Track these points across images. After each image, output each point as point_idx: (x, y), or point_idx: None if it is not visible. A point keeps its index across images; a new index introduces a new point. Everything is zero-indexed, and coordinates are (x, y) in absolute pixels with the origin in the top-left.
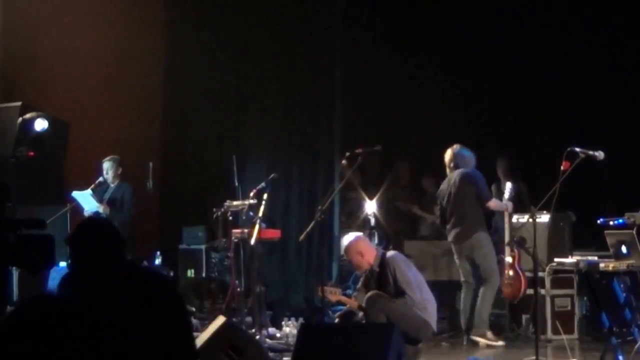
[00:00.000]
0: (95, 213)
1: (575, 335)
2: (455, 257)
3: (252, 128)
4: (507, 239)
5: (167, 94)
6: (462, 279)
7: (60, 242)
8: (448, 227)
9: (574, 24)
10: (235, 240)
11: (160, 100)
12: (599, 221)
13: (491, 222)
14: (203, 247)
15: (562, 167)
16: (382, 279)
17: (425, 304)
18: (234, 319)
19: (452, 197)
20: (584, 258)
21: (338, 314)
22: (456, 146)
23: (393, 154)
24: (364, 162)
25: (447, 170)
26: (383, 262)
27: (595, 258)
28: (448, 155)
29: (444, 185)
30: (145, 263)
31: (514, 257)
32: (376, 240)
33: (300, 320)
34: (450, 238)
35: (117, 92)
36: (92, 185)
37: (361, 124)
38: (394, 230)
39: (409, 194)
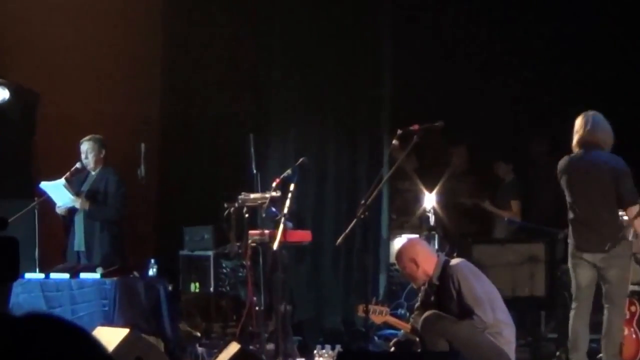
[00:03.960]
0: (70, 209)
1: None
2: (573, 265)
3: (275, 101)
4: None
5: (168, 60)
6: (574, 294)
7: (26, 247)
8: (577, 228)
9: None
10: (253, 244)
11: (158, 68)
12: None
13: None
14: (211, 253)
15: None
16: (443, 294)
17: (499, 326)
18: (251, 347)
19: (589, 189)
20: None
21: (393, 341)
22: (593, 113)
23: (458, 133)
24: (421, 143)
25: (575, 148)
26: (445, 272)
27: None
28: (583, 125)
29: (570, 169)
30: (136, 274)
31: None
32: (436, 245)
33: (338, 348)
34: (577, 243)
35: (103, 55)
36: (67, 174)
37: (416, 94)
38: (460, 231)
39: (475, 185)
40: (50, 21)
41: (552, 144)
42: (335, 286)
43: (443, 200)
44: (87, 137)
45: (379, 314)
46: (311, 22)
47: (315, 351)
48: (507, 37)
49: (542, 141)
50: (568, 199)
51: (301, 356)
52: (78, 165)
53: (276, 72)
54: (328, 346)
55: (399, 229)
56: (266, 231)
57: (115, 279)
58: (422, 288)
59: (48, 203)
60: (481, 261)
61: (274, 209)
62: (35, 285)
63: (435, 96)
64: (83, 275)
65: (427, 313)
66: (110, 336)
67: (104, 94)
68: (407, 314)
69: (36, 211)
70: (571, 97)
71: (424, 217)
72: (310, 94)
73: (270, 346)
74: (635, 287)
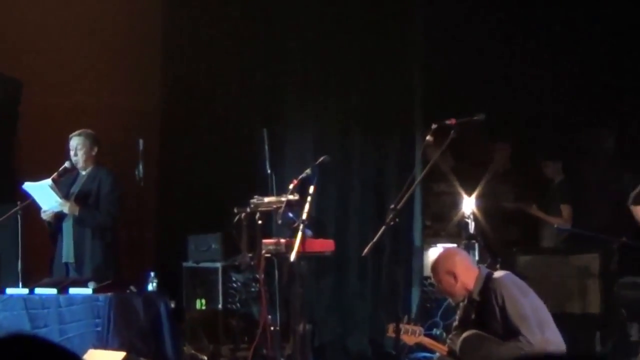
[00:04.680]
0: (58, 214)
1: None
2: None
3: (292, 92)
4: None
5: (169, 46)
6: None
7: (7, 258)
8: None
9: None
10: (267, 255)
11: (158, 54)
12: None
13: None
14: (219, 265)
15: None
16: (485, 312)
17: (548, 348)
18: None
19: None
20: None
21: None
22: None
23: (501, 127)
24: (458, 139)
25: None
26: (487, 287)
27: None
28: None
29: None
30: (133, 289)
31: None
32: (476, 256)
33: None
34: None
35: (95, 41)
36: (55, 174)
37: (452, 84)
38: (503, 239)
39: (520, 187)
40: (36, 2)
41: (618, 140)
42: (361, 303)
43: (484, 204)
44: (77, 132)
45: (412, 334)
46: (331, 4)
47: None
48: (558, 15)
49: (605, 136)
50: None
51: None
52: (67, 164)
53: (292, 59)
54: None
55: (434, 238)
56: (282, 240)
57: (109, 294)
58: (461, 305)
59: (32, 207)
60: (527, 273)
61: (291, 215)
62: (17, 302)
63: (473, 87)
64: (72, 290)
65: (466, 333)
66: None
67: (96, 83)
68: (444, 334)
69: (19, 217)
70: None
71: (463, 224)
72: (331, 84)
73: None
74: None
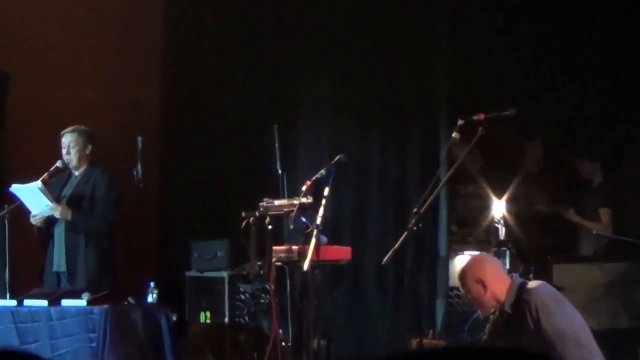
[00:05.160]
0: (48, 218)
1: None
2: None
3: (306, 84)
4: None
5: (170, 35)
6: None
7: None
8: None
9: None
10: (278, 263)
11: (158, 44)
12: None
13: None
14: (225, 274)
15: None
16: (517, 326)
17: None
18: None
19: None
20: None
21: None
22: None
23: (533, 123)
24: (487, 137)
25: None
26: (520, 298)
27: None
28: None
29: None
30: (131, 300)
31: None
32: (507, 264)
33: None
34: None
35: (89, 28)
36: (45, 174)
37: (479, 77)
38: (537, 246)
39: (555, 189)
40: None
41: None
42: (381, 316)
43: (515, 207)
44: (69, 129)
45: None
46: None
47: None
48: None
49: None
50: None
51: None
52: (58, 163)
53: (306, 47)
54: None
55: (461, 245)
56: (294, 247)
57: (105, 306)
58: (491, 318)
59: (21, 211)
60: (563, 284)
61: (304, 219)
62: (5, 315)
63: (503, 79)
64: (65, 302)
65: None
66: None
67: (90, 75)
68: None
69: (6, 222)
70: None
71: (492, 230)
72: (349, 75)
73: None
74: None
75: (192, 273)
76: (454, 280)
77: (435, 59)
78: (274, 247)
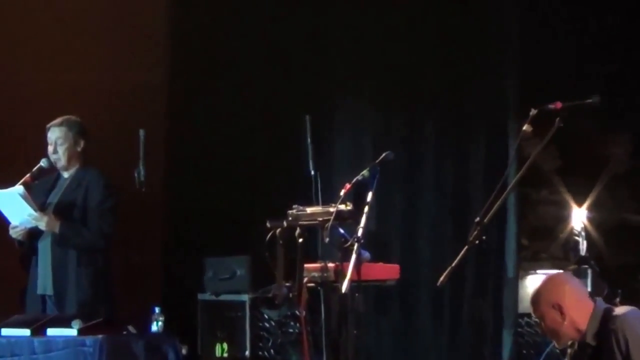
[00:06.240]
0: (31, 230)
1: None
2: None
3: (344, 69)
4: None
5: (179, 12)
6: None
7: None
8: None
9: None
10: (311, 284)
11: (164, 23)
12: None
13: None
14: (246, 298)
15: None
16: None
17: None
18: None
19: None
20: None
21: None
22: None
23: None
24: (566, 130)
25: None
26: (605, 327)
27: None
28: None
29: None
30: (131, 330)
31: None
32: (589, 285)
33: None
34: None
35: (80, 4)
36: (27, 176)
37: (555, 60)
38: (625, 264)
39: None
40: None
41: None
42: (435, 347)
43: (599, 216)
44: (57, 121)
45: None
46: None
47: None
48: None
49: None
50: None
51: None
52: (43, 162)
53: (345, 26)
54: None
55: (533, 262)
56: (330, 264)
57: (99, 337)
58: (569, 351)
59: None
60: None
61: (342, 231)
62: None
63: (583, 64)
64: (51, 331)
65: None
66: None
67: (82, 58)
68: None
69: None
70: None
71: (571, 243)
72: (396, 58)
73: None
74: None
75: (206, 296)
76: (525, 306)
77: (501, 38)
78: (306, 265)
